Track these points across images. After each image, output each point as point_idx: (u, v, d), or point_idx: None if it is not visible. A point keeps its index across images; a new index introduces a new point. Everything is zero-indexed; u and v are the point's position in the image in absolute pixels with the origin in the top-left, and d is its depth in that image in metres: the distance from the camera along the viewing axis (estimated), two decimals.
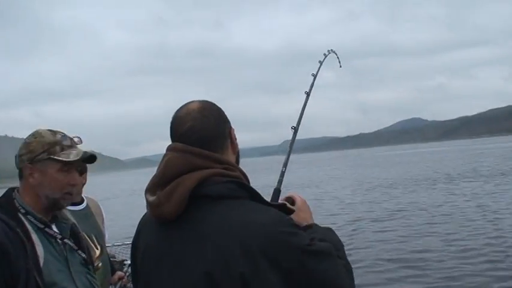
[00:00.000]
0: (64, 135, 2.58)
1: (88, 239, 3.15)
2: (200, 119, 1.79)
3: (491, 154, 65.68)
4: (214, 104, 1.89)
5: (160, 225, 1.77)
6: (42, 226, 2.48)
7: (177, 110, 1.86)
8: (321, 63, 3.27)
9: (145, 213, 1.90)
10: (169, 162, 1.74)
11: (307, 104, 2.94)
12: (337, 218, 20.15)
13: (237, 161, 1.91)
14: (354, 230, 17.10)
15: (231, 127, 1.90)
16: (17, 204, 2.47)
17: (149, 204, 1.76)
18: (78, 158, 2.53)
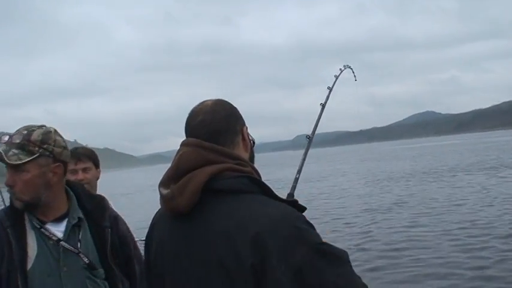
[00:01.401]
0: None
1: None
2: (211, 113, 1.84)
3: (502, 147, 65.25)
4: (228, 102, 1.94)
5: (173, 219, 1.80)
6: (38, 226, 2.46)
7: (193, 107, 1.90)
8: (336, 77, 3.35)
9: (159, 209, 1.93)
10: (183, 156, 1.77)
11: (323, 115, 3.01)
12: (346, 210, 20.45)
13: (251, 160, 1.94)
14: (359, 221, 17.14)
15: (244, 124, 1.93)
16: None
17: (162, 197, 1.79)
18: None
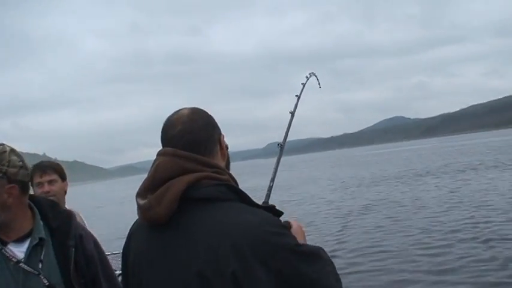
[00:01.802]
0: None
1: None
2: (189, 123, 1.84)
3: (469, 150, 66.64)
4: (205, 111, 1.95)
5: (151, 230, 1.79)
6: None
7: (168, 116, 1.91)
8: (303, 85, 3.40)
9: (136, 220, 1.92)
10: (160, 166, 1.77)
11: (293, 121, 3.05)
12: (316, 216, 20.90)
13: (227, 167, 1.95)
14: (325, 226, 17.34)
15: (220, 133, 1.94)
16: None
17: (140, 207, 1.78)
18: None
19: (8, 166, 2.41)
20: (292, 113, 3.06)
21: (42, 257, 2.46)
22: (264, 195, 2.39)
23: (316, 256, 1.73)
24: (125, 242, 1.97)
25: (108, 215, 32.46)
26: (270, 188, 2.53)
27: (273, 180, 2.60)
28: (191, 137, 1.82)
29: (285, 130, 2.98)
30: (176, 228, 1.72)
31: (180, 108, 1.94)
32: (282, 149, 2.85)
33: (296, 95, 3.23)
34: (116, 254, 5.65)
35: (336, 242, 14.63)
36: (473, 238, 13.07)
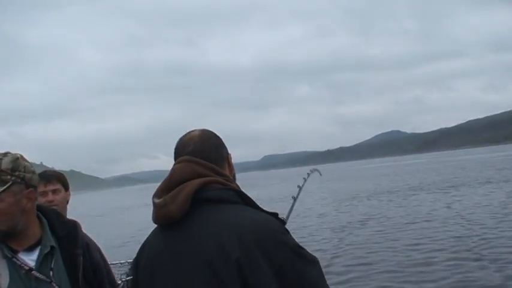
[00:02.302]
0: None
1: None
2: (200, 143, 2.07)
3: (465, 166, 66.93)
4: (214, 132, 2.17)
5: (164, 231, 1.97)
6: (9, 256, 2.41)
7: (180, 138, 2.13)
8: (305, 180, 3.80)
9: (149, 235, 2.08)
10: (176, 170, 1.98)
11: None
12: (308, 229, 21.04)
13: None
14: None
15: (228, 153, 2.17)
16: None
17: (155, 205, 1.96)
18: None
19: (24, 172, 2.45)
20: (295, 199, 3.38)
21: (52, 265, 2.50)
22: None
23: (315, 263, 1.86)
24: (139, 250, 2.10)
25: (107, 224, 32.57)
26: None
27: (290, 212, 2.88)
28: (203, 156, 2.01)
29: (288, 211, 3.22)
30: (187, 225, 1.89)
31: (191, 130, 2.15)
32: (294, 201, 3.19)
33: (298, 186, 3.54)
34: (113, 264, 5.63)
35: (324, 256, 14.63)
36: (466, 253, 13.24)
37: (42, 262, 2.47)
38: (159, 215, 1.94)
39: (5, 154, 2.46)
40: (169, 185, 1.94)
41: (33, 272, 2.42)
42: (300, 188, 3.54)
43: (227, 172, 2.09)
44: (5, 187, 2.36)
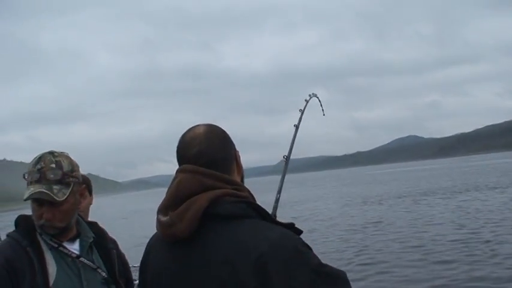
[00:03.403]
0: (29, 172, 2.47)
1: None
2: (206, 142, 1.84)
3: (482, 171, 66.64)
4: (220, 128, 1.94)
5: (171, 246, 1.79)
6: (55, 245, 2.50)
7: (183, 135, 1.91)
8: (307, 101, 3.54)
9: (154, 234, 1.94)
10: (181, 183, 1.77)
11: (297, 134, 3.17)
12: (319, 233, 21.53)
13: (242, 182, 1.96)
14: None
15: (235, 149, 1.95)
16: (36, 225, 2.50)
17: (161, 224, 1.79)
18: (24, 199, 2.43)
19: (78, 170, 2.59)
20: (297, 127, 3.16)
21: (93, 256, 2.63)
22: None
23: (340, 279, 1.68)
24: (143, 257, 1.99)
25: (120, 228, 32.79)
26: (277, 200, 2.58)
27: (279, 192, 2.65)
28: (209, 157, 1.81)
29: (290, 143, 3.06)
30: (197, 245, 1.72)
31: (194, 125, 1.93)
32: (287, 161, 2.92)
33: (300, 110, 3.33)
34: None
35: (339, 259, 15.00)
36: (479, 255, 13.59)
37: (86, 251, 2.60)
38: (166, 235, 1.78)
39: (55, 154, 2.52)
40: (175, 200, 1.76)
41: (80, 258, 2.53)
42: (302, 111, 3.40)
43: (235, 174, 1.91)
44: (70, 190, 2.48)
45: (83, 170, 2.70)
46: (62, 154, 2.55)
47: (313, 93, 3.64)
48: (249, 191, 1.87)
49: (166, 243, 1.81)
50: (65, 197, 2.44)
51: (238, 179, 1.92)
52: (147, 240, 2.02)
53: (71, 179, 2.50)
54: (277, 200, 2.52)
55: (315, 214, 29.92)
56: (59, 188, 2.44)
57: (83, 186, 2.65)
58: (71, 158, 2.57)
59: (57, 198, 2.41)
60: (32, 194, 2.40)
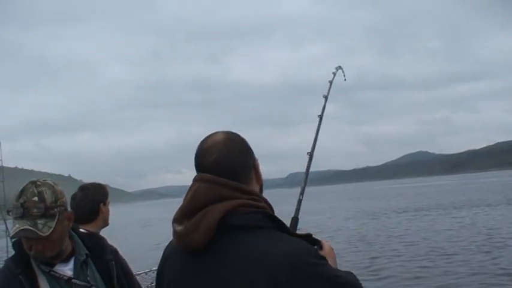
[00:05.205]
0: (13, 206, 2.46)
1: None
2: (225, 151, 1.81)
3: (491, 188, 66.82)
4: (239, 135, 1.91)
5: (187, 255, 1.78)
6: (47, 270, 2.52)
7: (202, 142, 1.88)
8: (330, 82, 3.31)
9: (170, 241, 1.92)
10: (197, 192, 1.76)
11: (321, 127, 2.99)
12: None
13: (261, 191, 1.94)
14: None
15: (255, 158, 1.92)
16: None
17: (176, 233, 1.78)
18: (10, 236, 2.54)
19: (62, 197, 2.56)
20: (321, 116, 2.96)
21: (88, 273, 2.65)
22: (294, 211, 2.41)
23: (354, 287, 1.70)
24: (159, 266, 1.98)
25: (128, 237, 32.98)
26: (299, 202, 2.52)
27: (302, 193, 2.58)
28: (227, 166, 1.79)
29: (314, 136, 2.89)
30: (212, 256, 1.71)
31: (213, 132, 1.91)
32: (311, 157, 2.80)
33: (324, 95, 3.14)
34: (138, 274, 5.69)
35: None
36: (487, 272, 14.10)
37: (79, 270, 2.62)
38: (181, 244, 1.77)
39: (38, 184, 2.50)
40: (191, 209, 1.74)
41: (73, 280, 2.55)
42: (326, 97, 3.17)
43: (254, 183, 1.88)
44: (55, 221, 2.47)
45: (93, 179, 2.67)
46: (44, 183, 2.52)
47: (339, 66, 3.49)
48: (266, 201, 1.84)
49: (181, 252, 1.80)
50: (51, 230, 2.43)
51: (256, 188, 1.90)
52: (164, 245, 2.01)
53: (56, 209, 2.49)
54: (299, 202, 2.46)
55: (317, 226, 30.39)
56: (44, 222, 2.43)
57: (70, 212, 2.62)
58: (54, 186, 2.54)
59: (43, 234, 2.41)
60: (17, 232, 2.40)
